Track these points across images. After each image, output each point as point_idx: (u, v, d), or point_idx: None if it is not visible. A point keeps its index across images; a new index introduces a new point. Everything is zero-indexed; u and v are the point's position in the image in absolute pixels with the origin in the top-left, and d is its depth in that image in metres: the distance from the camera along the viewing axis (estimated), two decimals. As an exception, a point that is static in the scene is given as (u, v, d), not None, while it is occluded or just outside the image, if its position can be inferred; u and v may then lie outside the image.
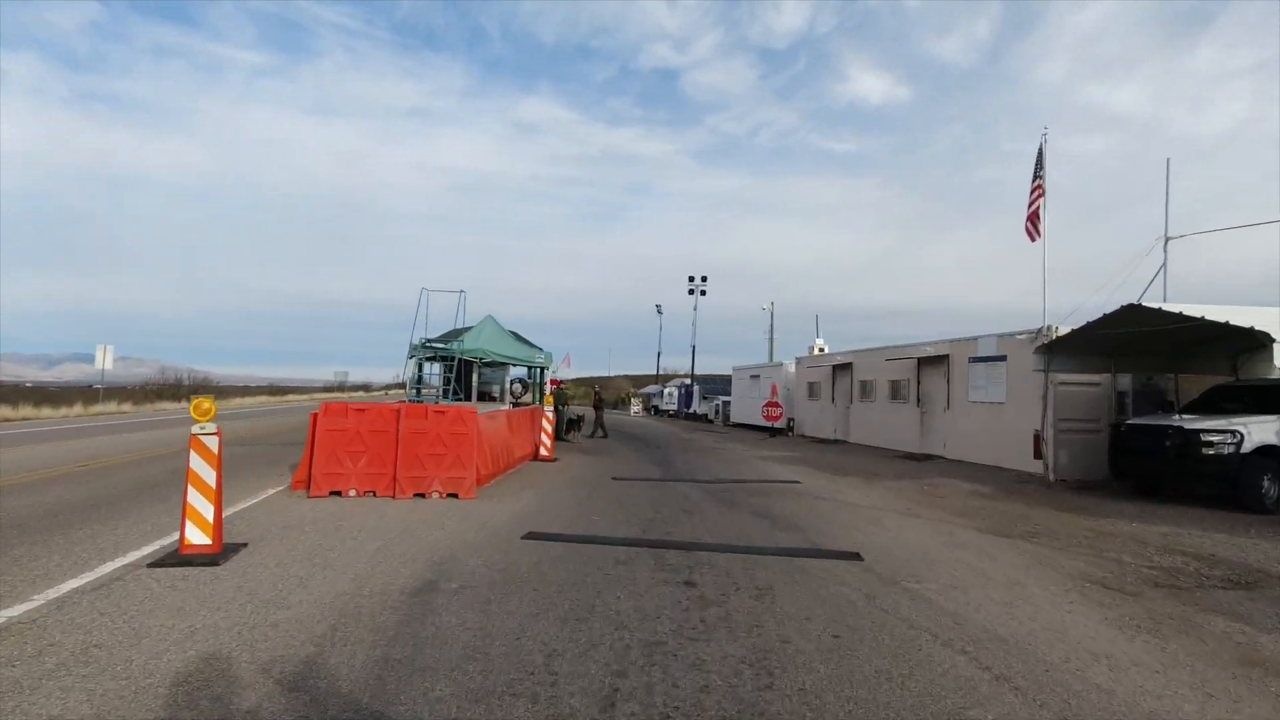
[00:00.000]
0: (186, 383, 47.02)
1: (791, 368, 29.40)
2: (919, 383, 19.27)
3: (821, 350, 27.90)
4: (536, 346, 21.42)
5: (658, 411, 49.84)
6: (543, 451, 16.38)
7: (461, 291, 17.81)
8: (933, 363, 18.76)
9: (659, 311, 54.26)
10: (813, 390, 26.68)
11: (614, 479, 13.46)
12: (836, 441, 23.89)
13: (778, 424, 26.36)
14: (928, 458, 18.18)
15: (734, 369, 36.52)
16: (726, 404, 37.12)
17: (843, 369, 24.13)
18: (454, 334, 17.82)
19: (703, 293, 43.65)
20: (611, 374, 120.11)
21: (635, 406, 48.83)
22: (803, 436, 27.02)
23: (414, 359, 16.68)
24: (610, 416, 42.57)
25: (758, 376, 32.33)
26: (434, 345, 16.88)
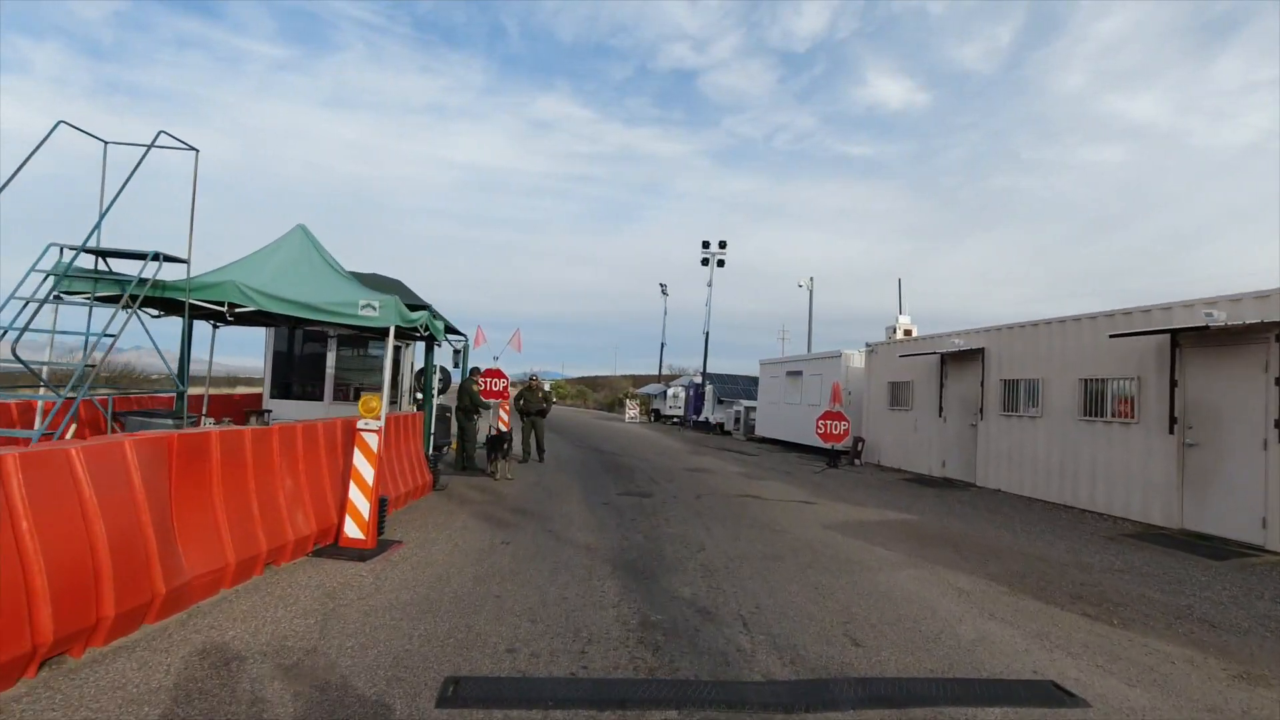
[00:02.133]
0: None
1: (857, 359, 19.48)
2: (1177, 384, 9.32)
3: (909, 333, 17.99)
4: (423, 305, 11.62)
5: (659, 417, 40.03)
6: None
7: (195, 150, 8.08)
8: (1229, 340, 8.88)
9: (664, 292, 44.68)
10: (899, 395, 16.76)
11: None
12: (951, 483, 13.98)
13: (839, 445, 16.42)
14: (1201, 540, 8.36)
15: (762, 364, 26.68)
16: (750, 411, 27.28)
17: (962, 360, 14.20)
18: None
19: (720, 263, 34.16)
20: (616, 373, 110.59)
21: (631, 410, 39.19)
22: (879, 467, 17.08)
23: (51, 280, 7.01)
24: (600, 424, 34.07)
25: (799, 373, 22.45)
26: (105, 259, 7.44)
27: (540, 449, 15.62)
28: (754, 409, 27.36)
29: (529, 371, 16.63)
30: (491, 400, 17.20)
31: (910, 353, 15.60)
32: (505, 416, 17.06)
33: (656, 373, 50.69)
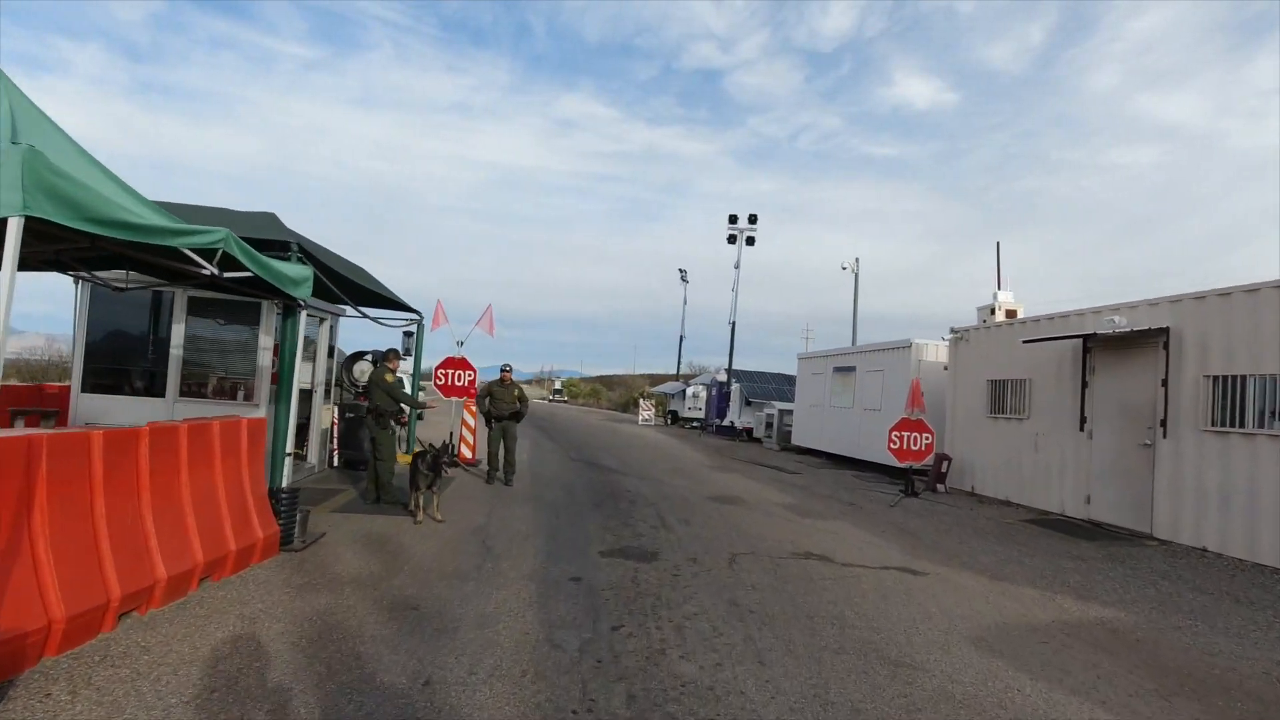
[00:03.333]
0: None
1: (932, 351, 15.04)
2: None
3: (1011, 315, 13.48)
4: (288, 246, 7.38)
5: (676, 419, 35.71)
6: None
7: None
8: None
9: (683, 278, 40.28)
10: (1006, 398, 12.26)
11: None
12: (1104, 530, 9.62)
13: (920, 464, 11.96)
14: None
15: (801, 359, 22.28)
16: (786, 415, 22.85)
17: (1125, 347, 9.69)
18: None
19: (750, 240, 29.63)
20: (634, 372, 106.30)
21: (645, 412, 34.90)
22: (972, 495, 12.62)
23: None
24: (608, 427, 28.58)
25: (850, 369, 18.05)
26: None
27: (510, 466, 11.42)
28: (790, 413, 22.94)
29: (504, 363, 12.41)
30: (452, 398, 13.02)
31: (1034, 338, 11.01)
32: (470, 420, 12.83)
33: (675, 370, 46.37)
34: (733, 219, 29.40)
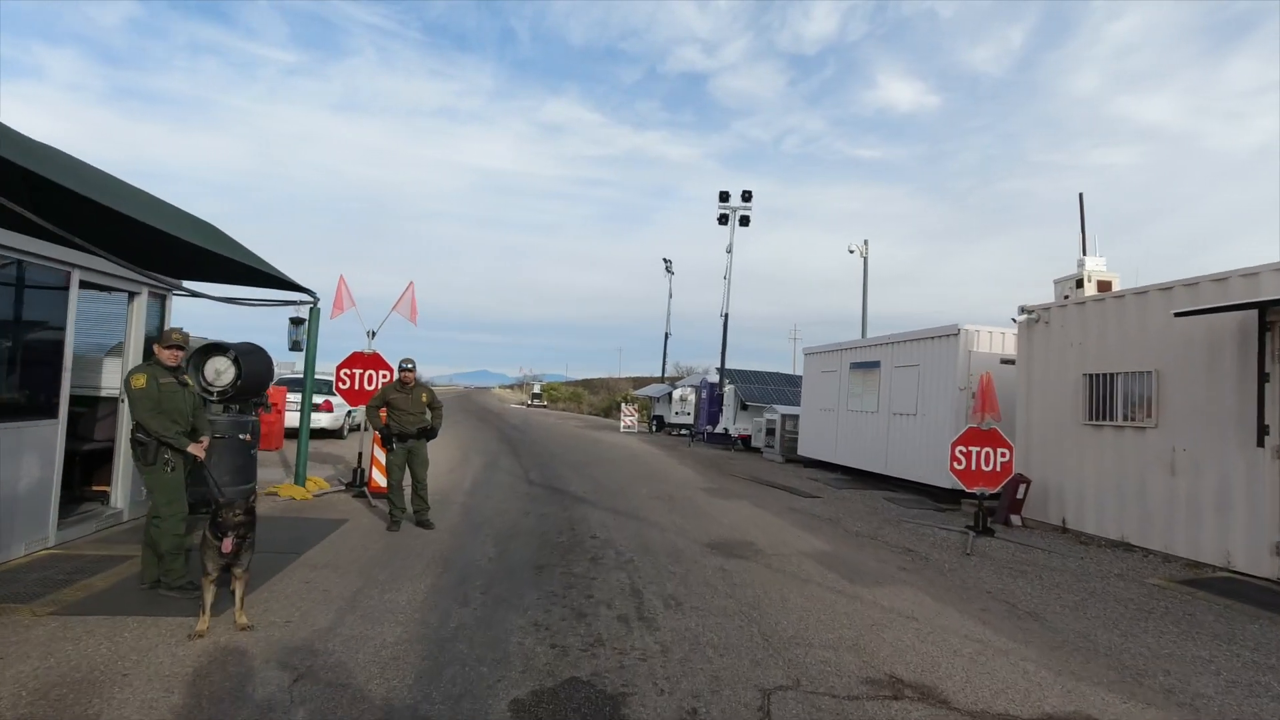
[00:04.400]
0: None
1: (985, 339, 11.88)
2: None
3: (1105, 286, 10.29)
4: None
5: (662, 425, 32.41)
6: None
7: None
8: None
9: (668, 269, 36.85)
10: (1116, 399, 8.89)
11: None
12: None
13: (986, 489, 8.67)
14: None
15: (809, 354, 19.11)
16: (789, 421, 19.61)
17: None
18: None
19: (744, 220, 26.20)
20: (619, 375, 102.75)
21: (627, 418, 31.53)
22: (1064, 531, 9.48)
23: None
24: (585, 436, 23.69)
25: (873, 365, 14.88)
26: None
27: (422, 500, 8.10)
28: (794, 419, 19.72)
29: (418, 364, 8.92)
30: (359, 407, 9.64)
31: (1190, 309, 7.54)
32: (379, 454, 9.41)
33: (660, 372, 43.08)
34: (724, 196, 26.14)
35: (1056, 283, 11.44)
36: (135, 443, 4.93)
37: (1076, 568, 7.60)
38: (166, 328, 5.53)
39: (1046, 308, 10.19)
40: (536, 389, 63.91)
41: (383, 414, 8.24)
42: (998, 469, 8.93)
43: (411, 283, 10.42)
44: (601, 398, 58.70)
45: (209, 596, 4.37)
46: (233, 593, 4.52)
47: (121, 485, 7.19)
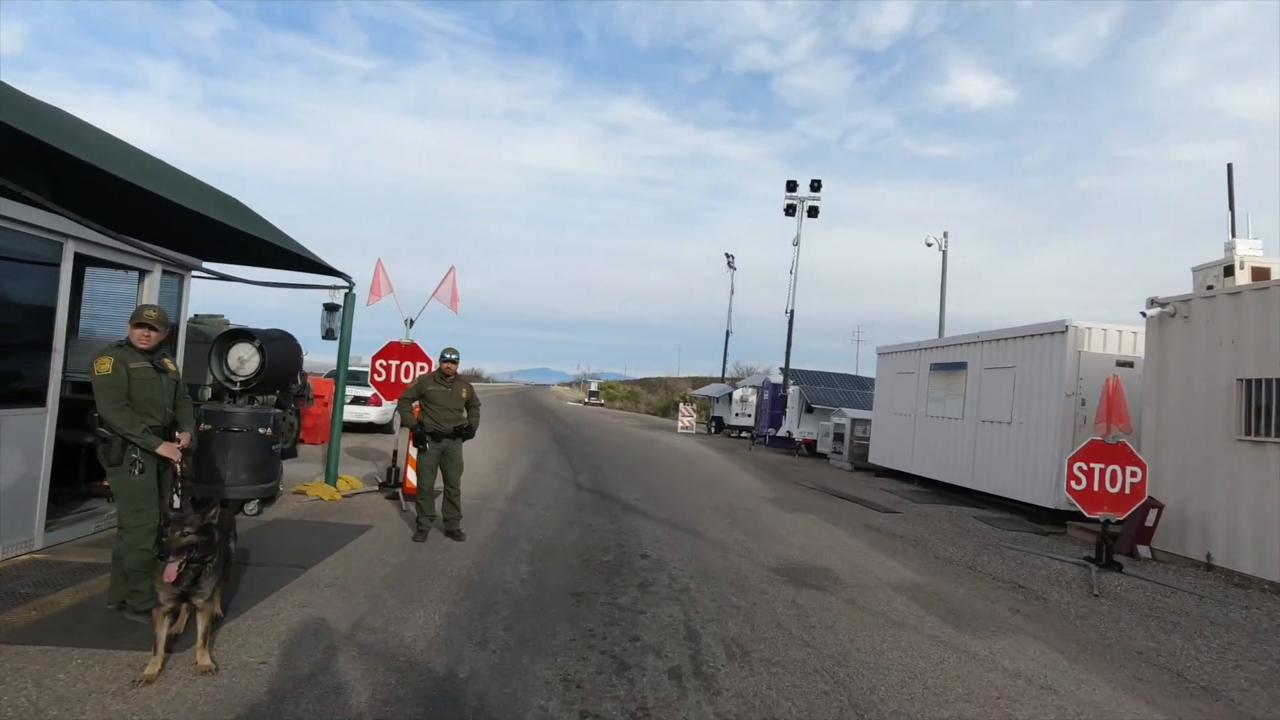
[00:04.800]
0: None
1: (1100, 340, 10.34)
2: None
3: (1261, 273, 8.65)
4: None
5: (721, 427, 31.19)
6: None
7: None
8: None
9: (730, 265, 35.52)
10: (1269, 411, 7.30)
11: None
12: None
13: (1113, 516, 7.21)
14: None
15: (882, 354, 17.66)
16: (859, 426, 18.17)
17: None
18: None
19: (813, 211, 24.62)
20: (678, 375, 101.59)
21: (685, 418, 30.45)
22: (1209, 568, 8.02)
23: None
24: (641, 437, 22.51)
25: (959, 366, 13.46)
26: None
27: (454, 508, 7.25)
28: (865, 423, 18.25)
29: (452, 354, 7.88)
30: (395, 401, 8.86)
31: None
32: (413, 452, 8.52)
33: (720, 372, 41.75)
34: (791, 186, 24.69)
35: (1196, 271, 9.77)
36: (99, 439, 4.17)
37: (1246, 621, 6.14)
38: (139, 303, 4.61)
39: (1185, 299, 8.60)
40: (593, 387, 63.54)
41: (415, 409, 7.42)
42: (1126, 491, 7.47)
43: (453, 268, 9.63)
44: (659, 397, 57.75)
45: (161, 632, 3.54)
46: (200, 626, 3.69)
47: (127, 482, 6.57)
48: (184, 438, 4.46)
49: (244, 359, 7.80)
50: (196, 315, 10.90)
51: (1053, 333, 10.80)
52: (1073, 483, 7.57)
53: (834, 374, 24.52)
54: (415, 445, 7.44)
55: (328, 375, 16.29)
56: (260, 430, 7.30)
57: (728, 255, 35.57)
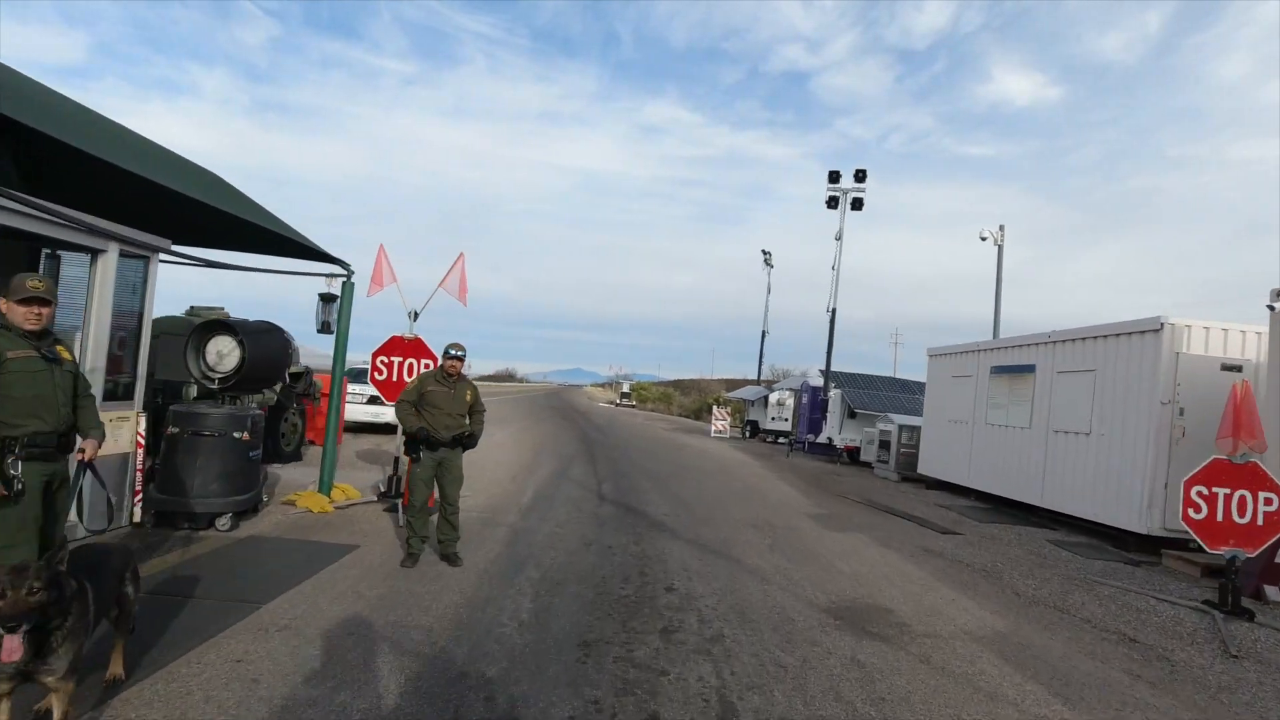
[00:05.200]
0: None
1: (1202, 340, 8.95)
2: None
3: None
4: None
5: (756, 432, 29.96)
6: None
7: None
8: None
9: (767, 263, 34.14)
10: None
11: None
12: None
13: (1253, 552, 5.94)
14: None
15: (932, 356, 16.34)
16: (907, 433, 16.84)
17: None
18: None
19: (857, 203, 23.21)
20: (711, 376, 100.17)
21: (719, 422, 29.28)
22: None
23: None
24: (672, 440, 20.92)
25: (1026, 370, 12.17)
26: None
27: (450, 528, 6.30)
28: (914, 430, 16.90)
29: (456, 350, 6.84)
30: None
31: None
32: (405, 455, 7.50)
33: (755, 374, 40.40)
34: (834, 176, 23.34)
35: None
36: (-29, 451, 3.26)
37: None
38: (22, 276, 3.61)
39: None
40: (625, 388, 62.63)
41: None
42: (1259, 522, 6.17)
43: (461, 254, 8.69)
44: (692, 399, 56.56)
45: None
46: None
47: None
48: (89, 446, 3.54)
49: (223, 353, 6.97)
50: (193, 307, 10.19)
51: (1144, 331, 9.43)
52: (1190, 510, 6.29)
53: (878, 377, 23.12)
54: (408, 453, 6.48)
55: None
56: (235, 434, 6.44)
57: (765, 252, 34.24)
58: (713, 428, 29.55)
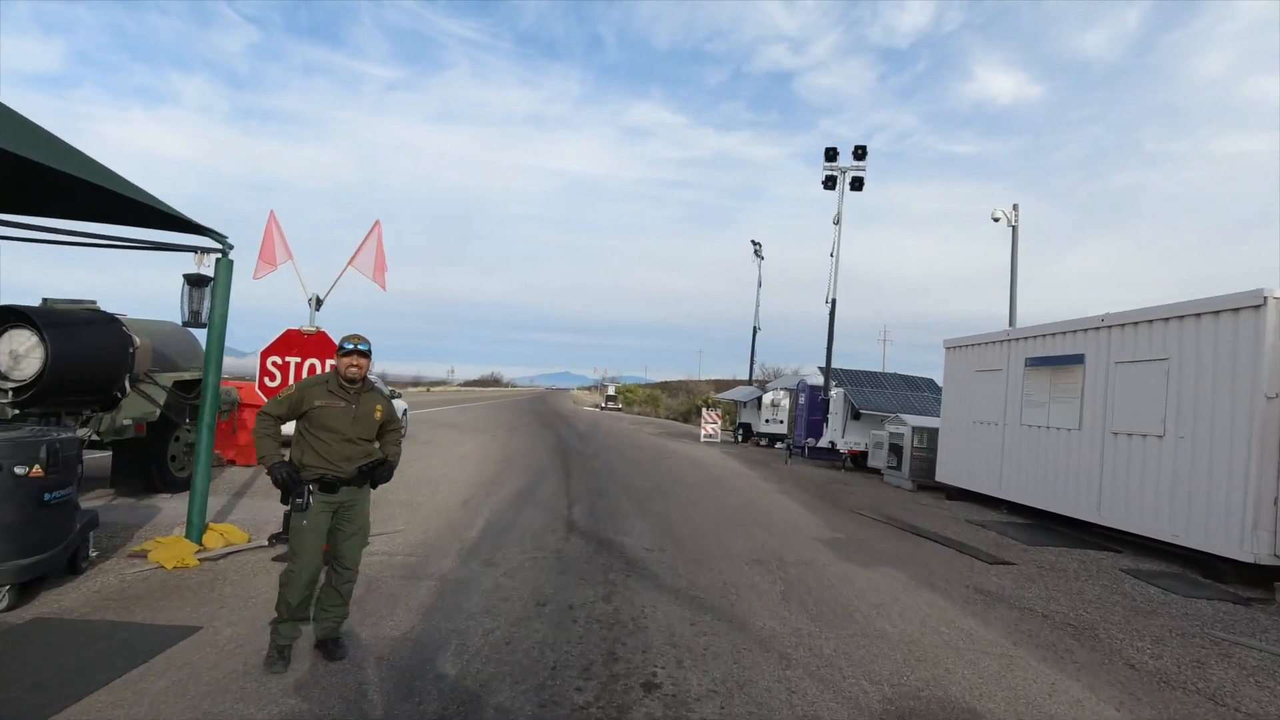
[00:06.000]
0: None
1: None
2: None
3: None
4: None
5: (749, 435, 28.12)
6: None
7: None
8: None
9: (757, 254, 32.26)
10: None
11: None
12: None
13: None
14: None
15: (950, 349, 14.61)
16: (922, 436, 15.05)
17: None
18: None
19: (856, 183, 21.39)
20: (699, 377, 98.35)
21: (709, 425, 27.40)
22: None
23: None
24: (659, 447, 18.28)
25: (1069, 361, 10.44)
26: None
27: (339, 602, 4.31)
28: (930, 433, 15.11)
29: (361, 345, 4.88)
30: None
31: None
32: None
33: (745, 374, 38.59)
34: (830, 154, 21.56)
35: None
36: None
37: None
38: None
39: None
40: (611, 391, 60.64)
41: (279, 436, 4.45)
42: None
43: (377, 222, 6.75)
44: (680, 401, 54.70)
45: None
46: None
47: None
48: None
49: (18, 354, 4.99)
50: (46, 300, 8.16)
51: (1238, 309, 7.64)
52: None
53: (883, 374, 21.34)
54: (286, 501, 4.44)
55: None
56: (17, 469, 4.46)
57: (754, 243, 32.41)
58: (702, 432, 27.66)
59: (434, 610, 5.13)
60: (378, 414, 4.31)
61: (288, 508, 4.17)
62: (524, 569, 6.45)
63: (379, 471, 4.33)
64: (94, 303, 8.57)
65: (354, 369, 4.21)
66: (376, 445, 4.39)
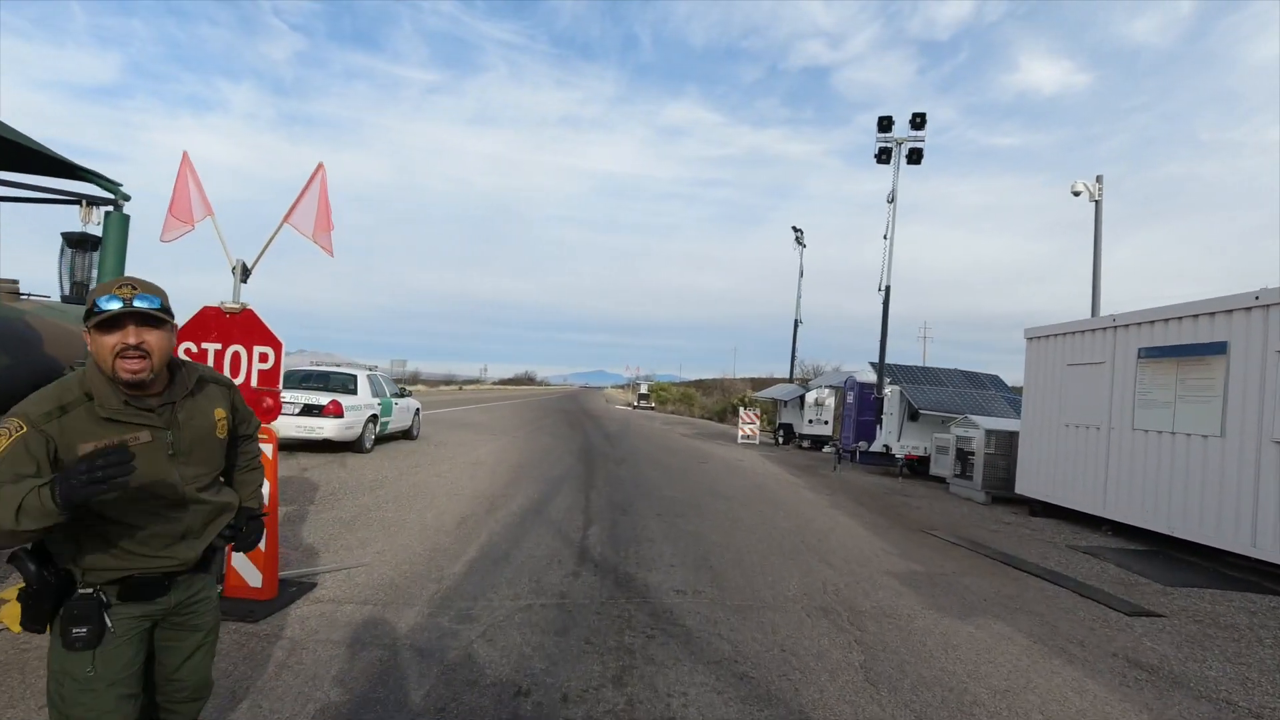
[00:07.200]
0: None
1: None
2: None
3: None
4: None
5: (791, 437, 26.16)
6: None
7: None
8: None
9: (799, 241, 30.17)
10: None
11: None
12: None
13: None
14: None
15: (1031, 339, 12.57)
16: (996, 440, 13.03)
17: None
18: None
19: (914, 156, 19.34)
20: (734, 375, 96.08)
21: (747, 426, 25.54)
22: None
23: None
24: (693, 450, 16.43)
25: (1209, 351, 8.48)
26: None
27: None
28: (1007, 437, 13.11)
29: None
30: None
31: None
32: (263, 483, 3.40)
33: (783, 371, 36.50)
34: (884, 124, 19.47)
35: None
36: None
37: None
38: None
39: None
40: (643, 389, 58.91)
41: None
42: None
43: (320, 166, 5.18)
44: (715, 399, 52.76)
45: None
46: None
47: None
48: None
49: None
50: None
51: None
52: None
53: (943, 370, 19.25)
54: (37, 626, 2.15)
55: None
56: None
57: (795, 230, 30.37)
58: (740, 433, 25.83)
59: (358, 711, 3.51)
60: (218, 425, 2.33)
61: (35, 630, 2.29)
62: (510, 626, 4.81)
63: (244, 537, 2.52)
64: (16, 282, 7.18)
65: (136, 361, 2.03)
66: (218, 489, 2.39)
